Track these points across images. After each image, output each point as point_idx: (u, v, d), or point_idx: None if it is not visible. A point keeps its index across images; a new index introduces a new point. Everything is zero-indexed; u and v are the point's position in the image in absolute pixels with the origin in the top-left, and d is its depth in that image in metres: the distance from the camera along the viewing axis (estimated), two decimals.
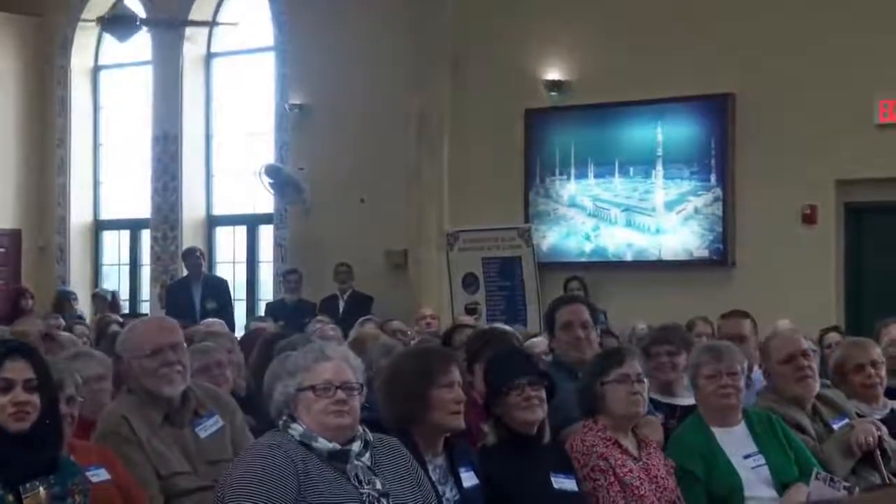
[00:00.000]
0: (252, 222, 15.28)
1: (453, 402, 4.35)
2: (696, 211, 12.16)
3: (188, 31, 14.93)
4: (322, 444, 3.78)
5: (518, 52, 12.94)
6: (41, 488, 3.78)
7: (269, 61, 14.92)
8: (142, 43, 15.20)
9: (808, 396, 5.57)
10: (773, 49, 11.61)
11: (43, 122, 16.36)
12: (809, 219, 11.61)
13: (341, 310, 11.33)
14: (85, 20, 15.92)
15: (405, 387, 4.38)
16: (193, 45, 15.31)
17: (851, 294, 11.23)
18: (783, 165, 11.56)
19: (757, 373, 6.17)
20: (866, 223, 11.59)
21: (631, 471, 4.82)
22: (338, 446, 3.79)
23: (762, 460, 5.09)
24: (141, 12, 14.73)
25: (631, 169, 12.49)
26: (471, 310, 11.46)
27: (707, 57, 11.96)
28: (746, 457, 5.07)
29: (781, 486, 4.99)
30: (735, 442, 5.12)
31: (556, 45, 12.84)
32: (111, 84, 16.33)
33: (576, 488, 4.56)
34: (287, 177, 14.32)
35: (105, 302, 13.68)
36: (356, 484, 3.78)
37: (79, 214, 16.36)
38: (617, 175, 12.58)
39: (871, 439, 5.32)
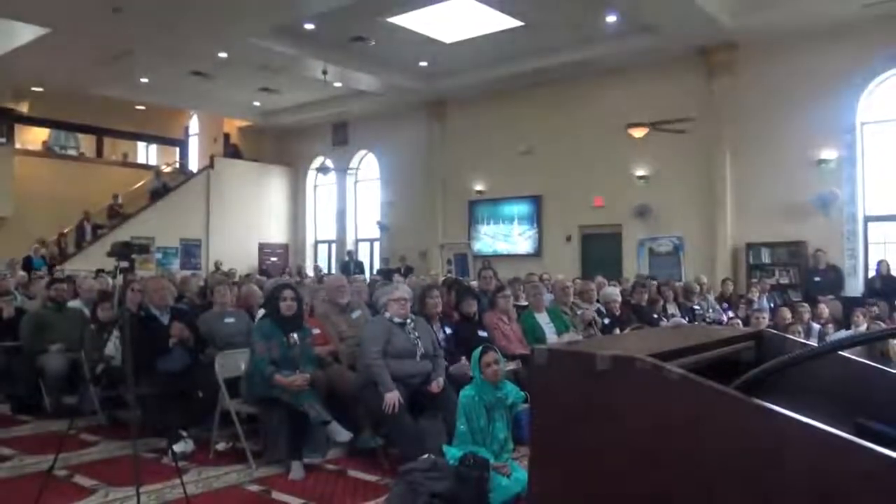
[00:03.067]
0: (372, 240, 14.98)
1: (434, 306, 4.35)
2: (529, 237, 12.09)
3: (348, 172, 14.82)
4: (396, 319, 3.83)
5: (466, 178, 12.82)
6: (295, 335, 3.79)
7: (377, 183, 14.64)
8: (331, 177, 14.85)
9: (568, 301, 5.58)
10: (557, 171, 11.43)
11: (297, 206, 16.01)
12: (569, 240, 11.57)
13: (403, 271, 11.32)
14: (309, 168, 15.76)
15: (421, 298, 4.40)
16: (350, 176, 15.10)
17: (583, 267, 11.13)
18: (561, 220, 11.58)
19: (549, 295, 6.15)
20: (589, 242, 11.49)
21: (505, 327, 4.89)
22: (401, 320, 3.85)
23: (552, 325, 5.14)
24: (331, 165, 14.48)
25: (507, 221, 12.35)
26: (448, 271, 11.46)
27: (531, 182, 11.86)
28: (546, 324, 5.12)
29: (558, 334, 5.04)
30: (542, 318, 5.19)
31: (479, 175, 12.75)
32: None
33: (486, 335, 4.57)
34: (383, 224, 14.21)
35: (319, 271, 13.54)
36: (407, 334, 3.81)
37: (309, 237, 16.05)
38: (500, 223, 12.47)
39: (590, 316, 5.42)
